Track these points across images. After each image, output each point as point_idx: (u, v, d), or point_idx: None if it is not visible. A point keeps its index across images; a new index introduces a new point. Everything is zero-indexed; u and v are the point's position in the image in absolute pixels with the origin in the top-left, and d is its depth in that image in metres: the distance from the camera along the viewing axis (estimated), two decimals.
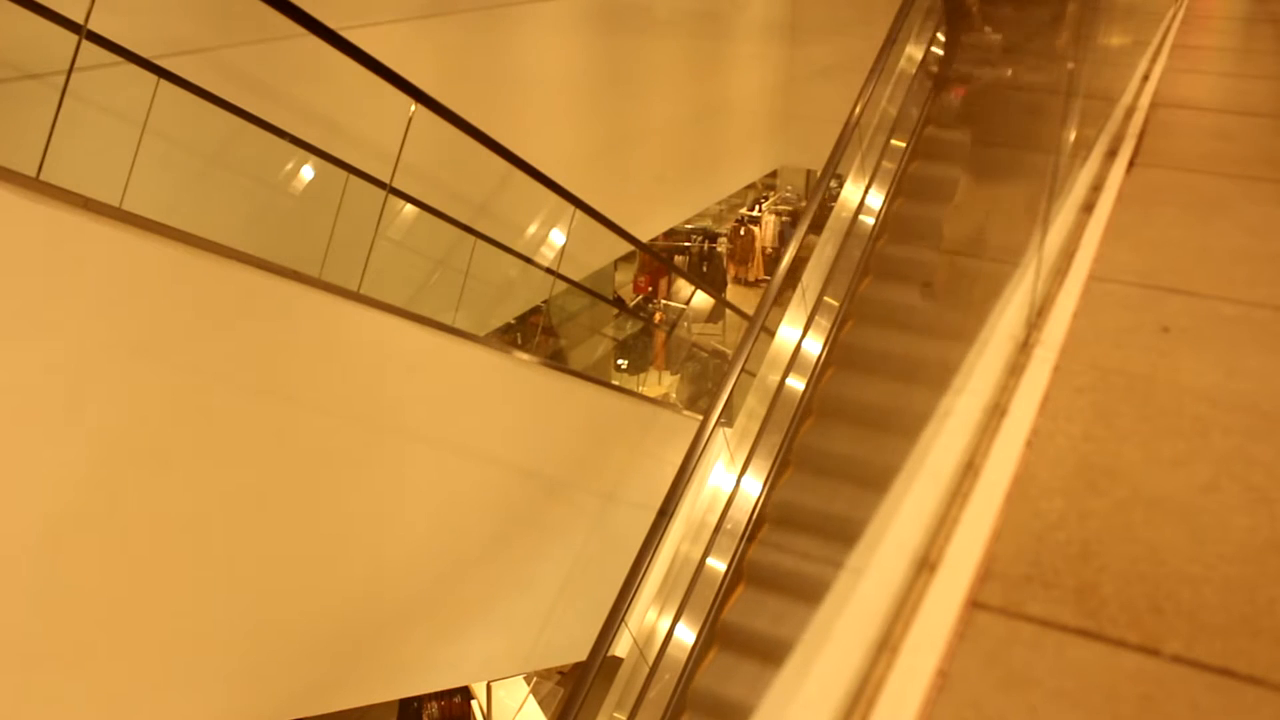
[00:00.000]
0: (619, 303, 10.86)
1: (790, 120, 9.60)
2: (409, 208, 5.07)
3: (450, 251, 5.49)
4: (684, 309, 11.39)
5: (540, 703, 7.70)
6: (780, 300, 5.14)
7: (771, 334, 5.31)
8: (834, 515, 4.69)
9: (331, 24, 3.60)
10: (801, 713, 1.05)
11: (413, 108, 4.06)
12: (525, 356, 4.95)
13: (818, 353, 5.28)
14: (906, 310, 5.28)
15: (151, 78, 3.89)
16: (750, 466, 5.02)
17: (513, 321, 6.88)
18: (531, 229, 6.15)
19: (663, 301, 11.81)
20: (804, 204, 12.37)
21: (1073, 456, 1.44)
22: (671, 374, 10.26)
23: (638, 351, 10.39)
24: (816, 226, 5.51)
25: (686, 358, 10.19)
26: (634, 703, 4.48)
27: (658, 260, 11.13)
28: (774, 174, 13.63)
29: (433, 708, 7.83)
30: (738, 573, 4.80)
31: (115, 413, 2.94)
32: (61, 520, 2.88)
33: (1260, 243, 2.37)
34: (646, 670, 4.54)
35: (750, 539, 4.85)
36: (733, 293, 12.58)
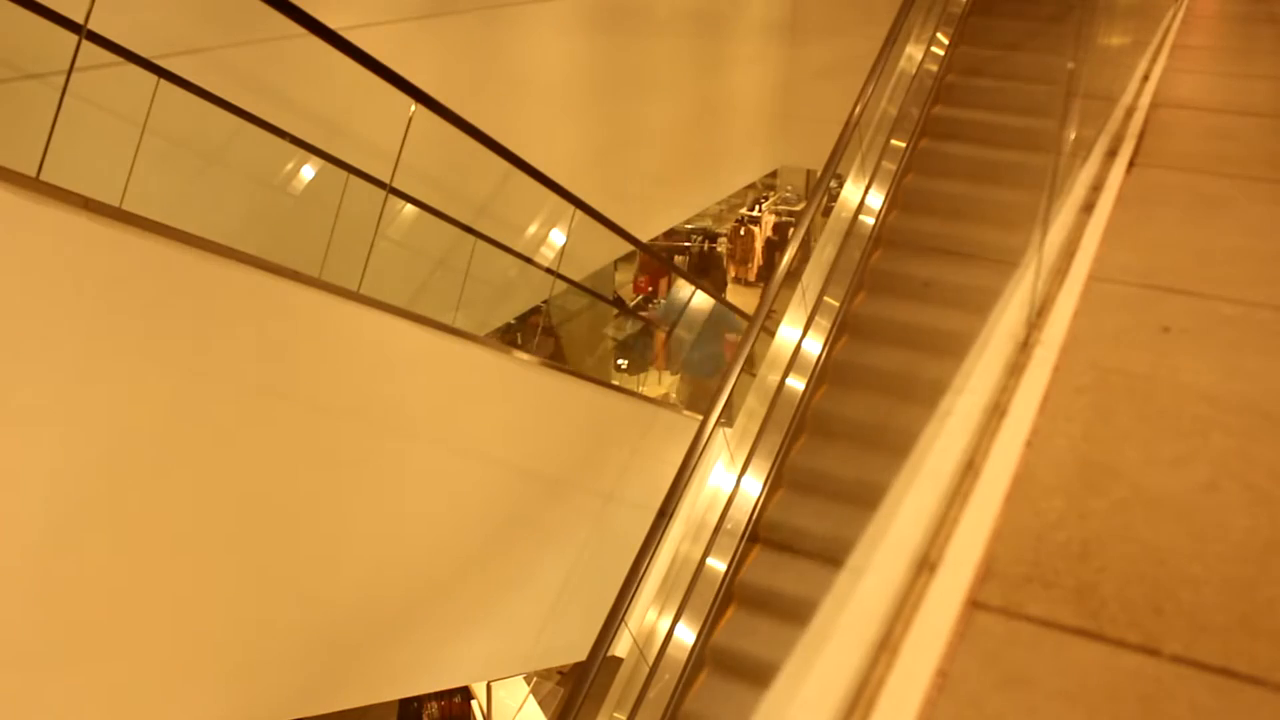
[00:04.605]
0: (619, 303, 10.85)
1: (790, 120, 9.60)
2: (409, 208, 5.07)
3: (450, 251, 5.49)
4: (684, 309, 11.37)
5: (540, 703, 7.69)
6: (780, 301, 5.14)
7: (771, 334, 5.31)
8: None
9: (331, 24, 3.60)
10: (801, 713, 1.05)
11: (413, 108, 4.06)
12: (525, 356, 4.95)
13: (818, 351, 5.28)
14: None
15: (151, 78, 3.89)
16: (750, 466, 5.02)
17: (513, 321, 6.88)
18: (531, 229, 6.15)
19: (663, 301, 11.80)
20: (803, 205, 12.36)
21: (1073, 456, 1.44)
22: (671, 374, 10.26)
23: (638, 351, 10.39)
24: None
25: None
26: (634, 703, 4.47)
27: (658, 260, 11.13)
28: (774, 174, 13.62)
29: (433, 708, 7.83)
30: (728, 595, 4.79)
31: (115, 413, 2.94)
32: (62, 520, 2.88)
33: (1260, 243, 2.37)
34: (646, 670, 4.54)
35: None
36: (733, 293, 12.58)
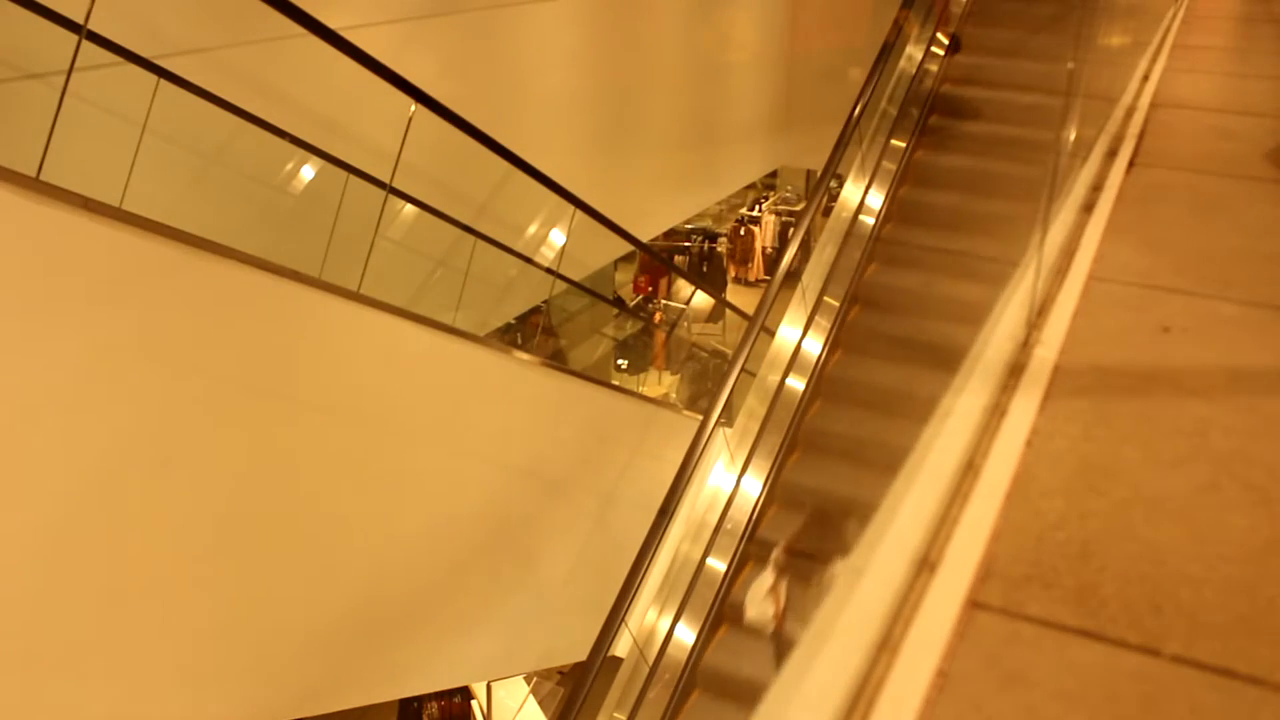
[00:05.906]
0: (619, 303, 10.85)
1: (790, 120, 9.59)
2: (409, 208, 5.07)
3: (450, 251, 5.49)
4: (684, 309, 11.38)
5: (540, 703, 7.69)
6: (780, 300, 5.14)
7: (771, 334, 5.31)
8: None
9: (331, 24, 3.60)
10: (801, 713, 1.05)
11: (413, 108, 4.06)
12: (525, 356, 4.95)
13: (818, 351, 5.29)
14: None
15: (151, 77, 3.89)
16: (750, 465, 5.02)
17: (513, 321, 6.87)
18: (531, 229, 6.14)
19: (663, 301, 11.80)
20: (803, 205, 12.36)
21: (1073, 456, 1.44)
22: (671, 374, 10.26)
23: (638, 351, 10.39)
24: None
25: (686, 358, 10.19)
26: (634, 703, 4.47)
27: (658, 260, 11.13)
28: (774, 174, 13.62)
29: (433, 708, 7.83)
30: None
31: (115, 413, 2.94)
32: (62, 521, 2.88)
33: (1260, 243, 2.37)
34: (646, 670, 4.54)
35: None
36: (733, 293, 12.57)
